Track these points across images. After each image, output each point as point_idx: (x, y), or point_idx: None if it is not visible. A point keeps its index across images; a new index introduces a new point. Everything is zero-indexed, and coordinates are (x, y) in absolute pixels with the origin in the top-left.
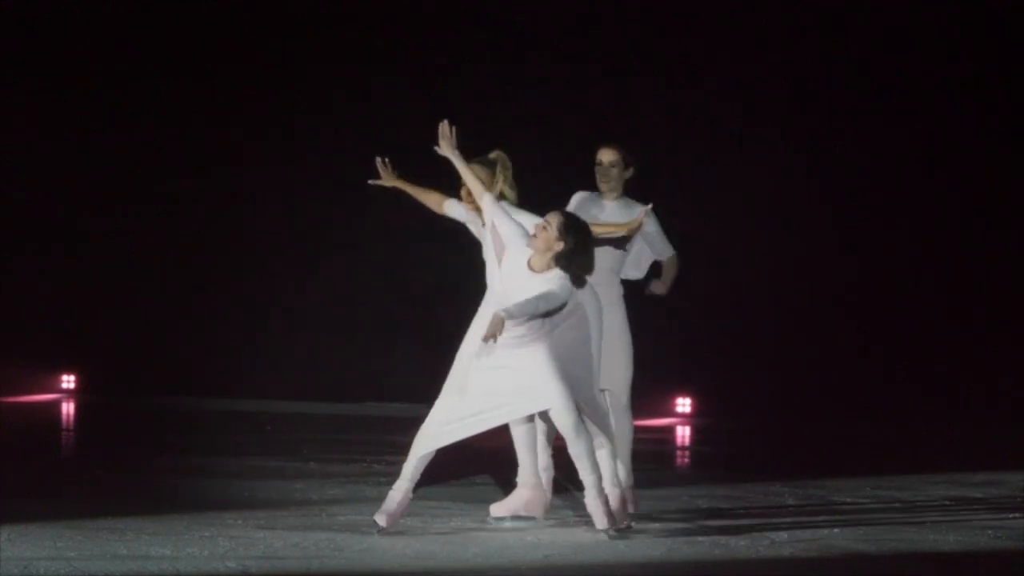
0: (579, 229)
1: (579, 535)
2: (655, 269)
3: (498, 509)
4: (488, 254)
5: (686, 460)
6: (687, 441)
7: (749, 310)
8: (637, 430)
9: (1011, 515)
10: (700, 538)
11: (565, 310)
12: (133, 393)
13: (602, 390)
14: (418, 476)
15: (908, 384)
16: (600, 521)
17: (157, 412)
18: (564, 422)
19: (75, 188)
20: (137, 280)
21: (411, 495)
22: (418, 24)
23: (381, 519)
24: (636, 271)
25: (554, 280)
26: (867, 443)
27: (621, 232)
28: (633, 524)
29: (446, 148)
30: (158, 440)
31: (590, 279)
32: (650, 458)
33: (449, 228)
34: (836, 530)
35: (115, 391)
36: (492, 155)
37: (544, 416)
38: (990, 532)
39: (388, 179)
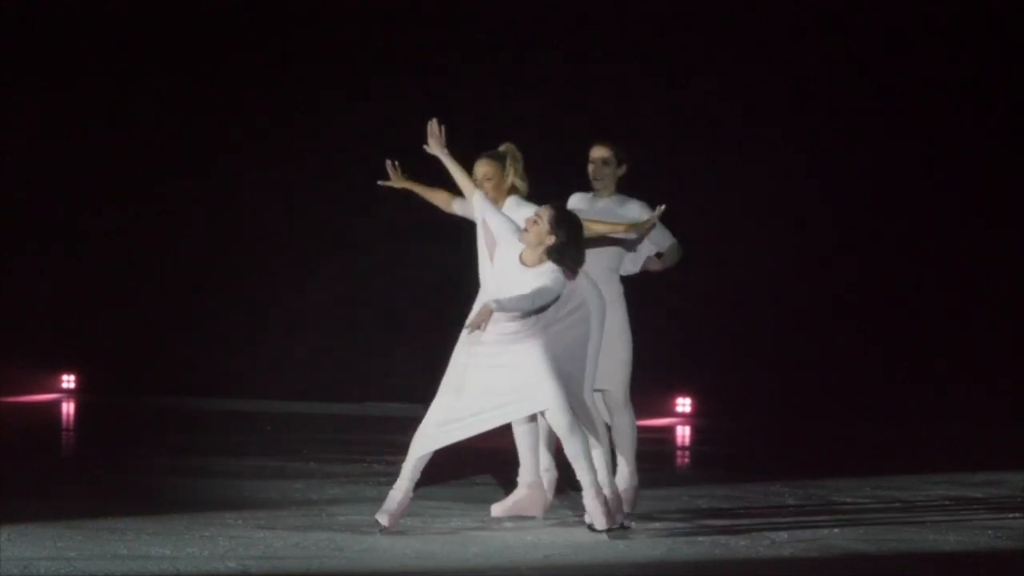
0: (570, 222)
1: (579, 535)
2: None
3: (499, 509)
4: (480, 250)
5: (686, 460)
6: (687, 441)
7: (749, 310)
8: (637, 430)
9: (1011, 515)
10: (700, 538)
11: (567, 307)
12: (133, 393)
13: (599, 390)
14: (418, 476)
15: (908, 384)
16: (599, 521)
17: (157, 412)
18: (559, 422)
19: (75, 188)
20: (137, 280)
21: (411, 495)
22: (418, 24)
23: (382, 519)
24: (633, 266)
25: (547, 274)
26: (867, 443)
27: (632, 234)
28: (633, 524)
29: (435, 147)
30: (158, 440)
31: (591, 277)
32: (650, 458)
33: (449, 228)
34: (836, 530)
35: (115, 391)
36: (502, 148)
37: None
38: (990, 532)
39: (397, 181)
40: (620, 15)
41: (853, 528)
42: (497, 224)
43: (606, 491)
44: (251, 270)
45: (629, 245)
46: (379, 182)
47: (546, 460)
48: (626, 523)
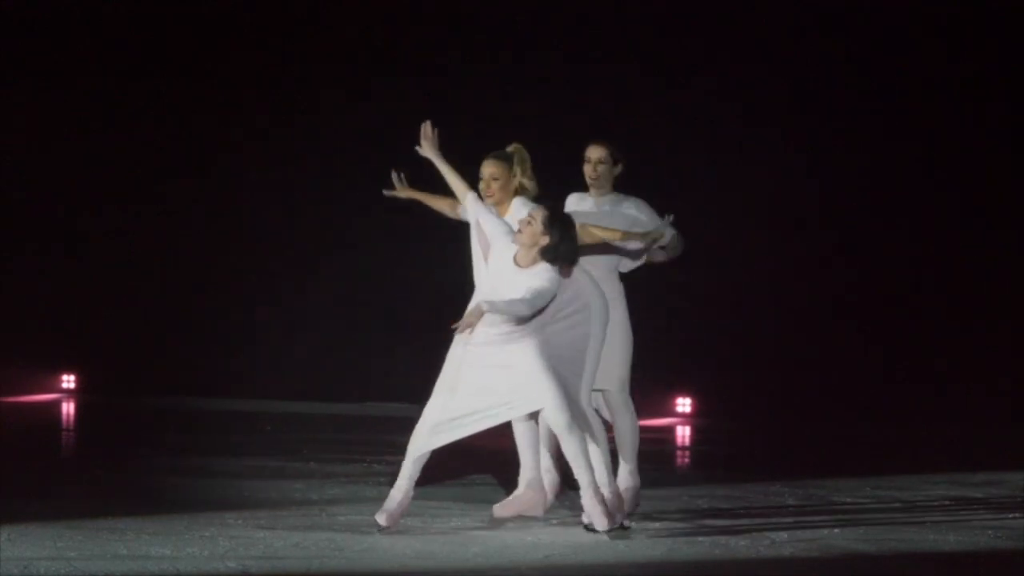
0: (564, 222)
1: (579, 535)
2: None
3: (500, 510)
4: (474, 252)
5: (686, 460)
6: (687, 441)
7: (749, 310)
8: (639, 431)
9: (1011, 515)
10: (700, 538)
11: (569, 307)
12: (133, 393)
13: (599, 390)
14: (417, 475)
15: (908, 384)
16: (598, 521)
17: (157, 412)
18: (557, 421)
19: (75, 188)
20: (137, 280)
21: (411, 495)
22: (418, 24)
23: (381, 518)
24: (634, 261)
25: (541, 275)
26: (867, 443)
27: (636, 243)
28: (632, 524)
29: (428, 149)
30: (158, 440)
31: (592, 276)
32: (650, 458)
33: (449, 228)
34: (836, 530)
35: (115, 391)
36: (510, 148)
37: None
38: (990, 532)
39: (403, 191)
40: (620, 15)
41: (853, 528)
42: (491, 226)
43: (605, 491)
44: (251, 270)
45: (645, 255)
46: (384, 192)
47: (546, 461)
48: (626, 523)
